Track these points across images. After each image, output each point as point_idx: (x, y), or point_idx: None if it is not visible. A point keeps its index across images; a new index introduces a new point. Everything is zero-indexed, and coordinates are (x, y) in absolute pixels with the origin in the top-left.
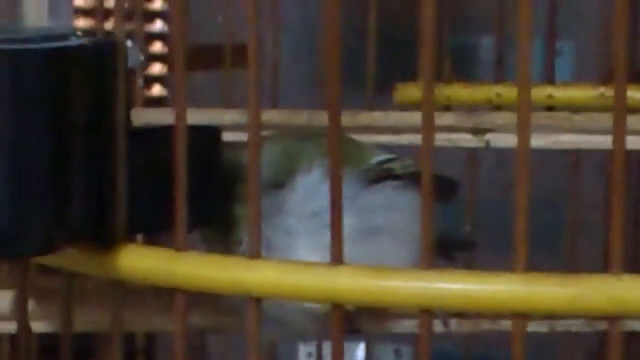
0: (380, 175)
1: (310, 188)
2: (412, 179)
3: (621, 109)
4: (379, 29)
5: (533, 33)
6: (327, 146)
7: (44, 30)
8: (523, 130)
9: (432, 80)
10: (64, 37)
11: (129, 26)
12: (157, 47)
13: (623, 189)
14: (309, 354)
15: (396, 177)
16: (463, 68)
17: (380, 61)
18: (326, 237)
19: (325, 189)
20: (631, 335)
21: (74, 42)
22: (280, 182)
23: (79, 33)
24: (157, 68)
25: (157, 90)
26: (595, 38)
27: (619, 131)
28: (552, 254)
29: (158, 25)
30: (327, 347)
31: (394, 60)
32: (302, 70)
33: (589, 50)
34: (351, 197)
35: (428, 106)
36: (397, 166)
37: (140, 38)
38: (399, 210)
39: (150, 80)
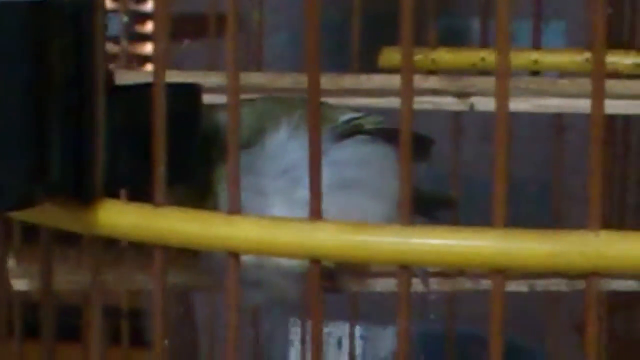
0: (349, 131)
1: (278, 146)
2: (381, 134)
3: (600, 66)
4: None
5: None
6: (294, 105)
7: None
8: (502, 78)
9: (412, 37)
10: None
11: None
12: (149, 27)
13: (601, 143)
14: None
15: (365, 133)
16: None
17: (366, 29)
18: (297, 193)
19: (293, 147)
20: (614, 297)
21: None
22: (248, 143)
23: None
24: (149, 48)
25: (148, 69)
26: (584, 13)
27: (599, 85)
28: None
29: (149, 5)
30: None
31: (380, 27)
32: (288, 40)
33: (582, 26)
34: (322, 152)
35: (408, 62)
36: (365, 122)
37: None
38: (368, 164)
39: (142, 60)
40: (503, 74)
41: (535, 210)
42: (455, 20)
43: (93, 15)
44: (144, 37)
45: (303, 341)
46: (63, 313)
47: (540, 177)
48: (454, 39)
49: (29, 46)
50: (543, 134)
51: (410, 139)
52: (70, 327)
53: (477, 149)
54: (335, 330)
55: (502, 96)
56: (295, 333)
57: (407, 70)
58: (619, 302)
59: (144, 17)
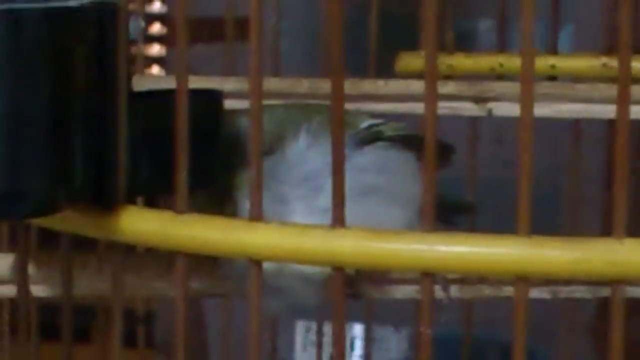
0: (369, 138)
1: (299, 154)
2: (402, 141)
3: (626, 72)
4: (383, 3)
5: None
6: (313, 111)
7: None
8: (527, 84)
9: (435, 44)
10: None
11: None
12: (156, 28)
13: (627, 150)
14: (308, 329)
15: (385, 139)
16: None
17: (383, 34)
18: (319, 200)
19: (313, 154)
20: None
21: (74, 2)
22: (269, 150)
23: None
24: (155, 49)
25: (155, 71)
26: (597, 16)
27: (624, 92)
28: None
29: (157, 6)
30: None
31: (397, 33)
32: (305, 47)
33: (590, 30)
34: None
35: (432, 70)
36: (386, 129)
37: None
38: (388, 171)
39: (149, 62)
40: (528, 81)
41: (544, 212)
42: (464, 23)
43: (116, 21)
44: (151, 39)
45: (319, 345)
46: (74, 314)
47: (545, 179)
48: (464, 42)
49: (52, 52)
50: (549, 135)
51: (434, 146)
52: (82, 329)
53: (489, 151)
54: (347, 332)
55: (527, 102)
56: (300, 334)
57: (431, 76)
58: (633, 308)
59: (150, 18)
